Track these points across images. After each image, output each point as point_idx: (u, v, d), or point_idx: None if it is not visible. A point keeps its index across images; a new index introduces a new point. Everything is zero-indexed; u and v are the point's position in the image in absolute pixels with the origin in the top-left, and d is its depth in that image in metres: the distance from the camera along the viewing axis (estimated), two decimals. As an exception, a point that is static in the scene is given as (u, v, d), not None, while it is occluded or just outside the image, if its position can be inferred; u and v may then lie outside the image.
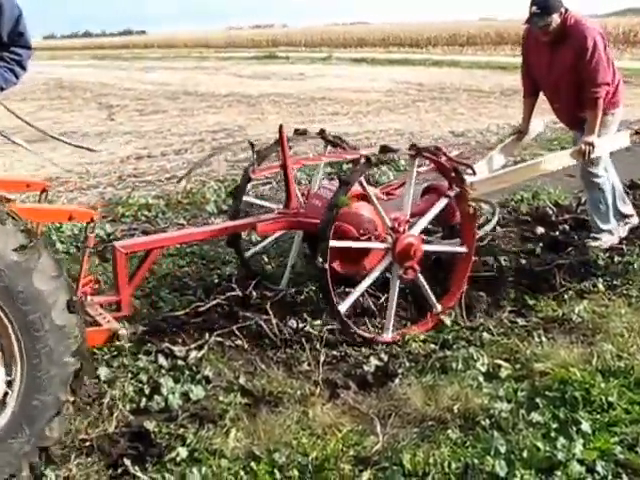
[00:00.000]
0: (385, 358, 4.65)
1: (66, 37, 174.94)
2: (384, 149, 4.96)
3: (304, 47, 62.15)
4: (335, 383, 4.39)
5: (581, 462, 3.46)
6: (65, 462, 3.62)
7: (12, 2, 4.25)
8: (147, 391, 4.25)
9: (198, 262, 6.28)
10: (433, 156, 5.02)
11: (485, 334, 4.92)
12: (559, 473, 3.40)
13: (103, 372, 4.43)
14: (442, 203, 5.16)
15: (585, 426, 3.73)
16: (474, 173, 5.43)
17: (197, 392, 4.23)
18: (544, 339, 4.84)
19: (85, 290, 4.40)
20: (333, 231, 4.68)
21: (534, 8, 5.96)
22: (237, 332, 4.91)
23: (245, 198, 5.84)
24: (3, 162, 11.47)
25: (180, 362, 4.56)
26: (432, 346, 4.80)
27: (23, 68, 4.43)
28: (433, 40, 56.84)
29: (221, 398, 4.17)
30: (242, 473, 3.49)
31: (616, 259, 6.20)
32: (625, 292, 5.58)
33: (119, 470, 3.59)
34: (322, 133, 6.01)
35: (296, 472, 3.48)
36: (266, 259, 6.27)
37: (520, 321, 5.17)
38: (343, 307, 4.81)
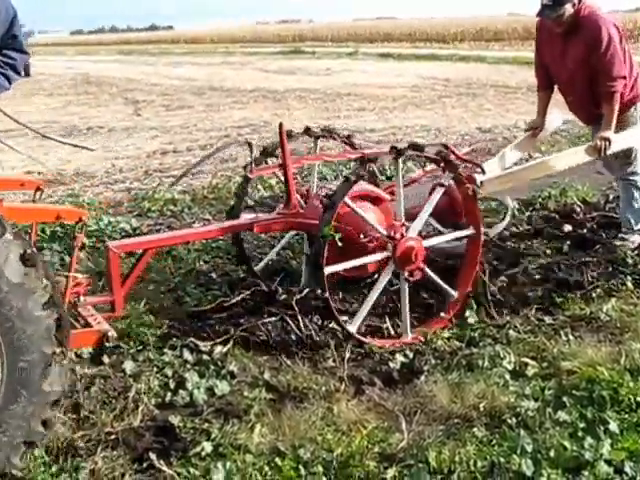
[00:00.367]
0: (410, 355, 4.63)
1: (93, 32, 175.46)
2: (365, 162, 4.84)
3: (330, 42, 61.99)
4: (360, 379, 4.38)
5: (609, 462, 3.43)
6: (91, 455, 3.63)
7: (7, 2, 4.12)
8: (172, 385, 4.26)
9: (224, 257, 6.28)
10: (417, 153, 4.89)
11: (512, 332, 4.89)
12: (586, 473, 3.37)
13: (129, 366, 4.45)
14: (438, 195, 5.01)
15: (613, 426, 3.69)
16: (483, 172, 5.35)
17: (222, 387, 4.23)
18: (571, 337, 4.80)
19: (78, 290, 4.37)
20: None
21: (545, 0, 5.85)
22: (262, 327, 4.90)
23: None
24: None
25: (205, 357, 4.56)
26: (458, 343, 4.78)
27: (17, 73, 4.24)
28: (460, 35, 56.52)
29: (246, 393, 4.17)
30: (267, 468, 3.48)
31: (645, 257, 6.12)
32: (654, 291, 5.50)
33: (144, 464, 3.60)
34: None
35: (321, 468, 3.47)
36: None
37: (547, 319, 5.13)
38: (354, 327, 4.75)
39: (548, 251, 6.37)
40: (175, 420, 3.88)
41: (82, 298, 4.37)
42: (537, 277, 5.78)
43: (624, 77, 5.93)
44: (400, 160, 4.78)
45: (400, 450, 3.64)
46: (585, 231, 6.92)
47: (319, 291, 4.62)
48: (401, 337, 4.89)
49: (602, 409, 3.87)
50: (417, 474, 3.41)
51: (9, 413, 3.16)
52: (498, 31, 55.67)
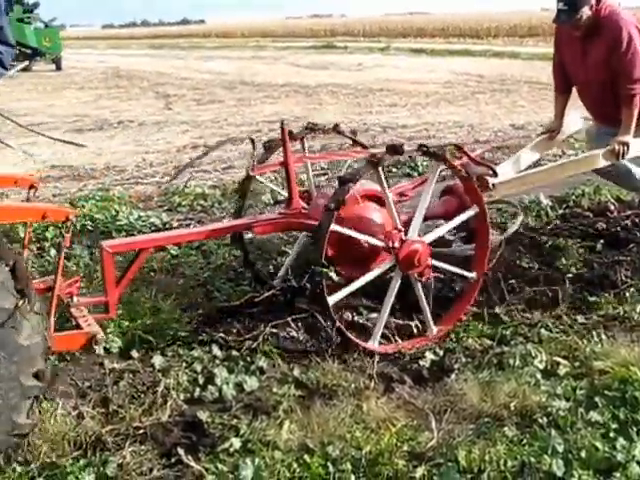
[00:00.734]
0: (441, 353, 4.60)
1: (124, 26, 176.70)
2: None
3: (362, 37, 61.93)
4: (390, 377, 4.36)
5: (641, 464, 3.38)
6: (119, 449, 3.64)
7: None
8: (201, 381, 4.26)
9: (254, 252, 6.27)
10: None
11: (543, 331, 4.84)
12: (618, 474, 3.32)
13: (157, 360, 4.46)
14: (429, 189, 4.73)
15: (646, 427, 3.64)
16: (495, 174, 5.22)
17: (251, 383, 4.22)
18: (604, 337, 4.74)
19: (71, 290, 4.36)
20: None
21: (561, 4, 5.64)
22: (292, 323, 4.88)
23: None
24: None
25: (234, 352, 4.56)
26: (489, 342, 4.73)
27: (4, 67, 4.14)
28: (494, 31, 56.20)
29: (275, 389, 4.16)
30: (295, 465, 3.46)
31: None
32: (689, 290, 5.43)
33: (172, 459, 3.60)
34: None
35: (349, 466, 3.44)
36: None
37: (580, 318, 5.07)
38: (375, 342, 4.65)
39: (581, 249, 6.30)
40: (204, 415, 3.88)
41: (75, 298, 4.34)
42: (570, 275, 5.72)
43: None
44: (380, 168, 4.53)
45: (429, 449, 3.61)
46: (619, 229, 6.83)
47: (329, 323, 4.54)
48: (427, 333, 4.83)
49: (635, 410, 3.82)
50: (446, 473, 3.38)
51: None
52: (532, 27, 55.25)
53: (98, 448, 3.65)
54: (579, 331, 4.87)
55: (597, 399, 3.94)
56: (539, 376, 4.23)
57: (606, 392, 4.01)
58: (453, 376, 4.31)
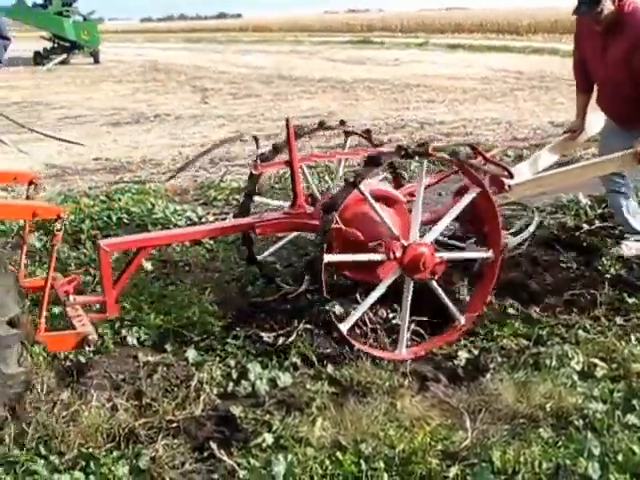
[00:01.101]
0: (476, 352, 4.56)
1: (162, 20, 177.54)
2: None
3: (399, 32, 61.65)
4: (424, 375, 4.33)
5: (679, 469, 3.33)
6: (152, 442, 3.66)
7: None
8: (235, 376, 4.27)
9: (289, 248, 6.25)
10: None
11: (581, 332, 4.78)
12: (655, 479, 3.28)
13: (191, 354, 4.47)
14: (422, 186, 4.62)
15: (684, 431, 3.59)
16: (511, 175, 5.10)
17: (284, 379, 4.22)
18: (643, 339, 4.69)
19: (68, 289, 4.34)
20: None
21: None
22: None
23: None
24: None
25: (268, 348, 4.56)
26: (525, 342, 4.69)
27: None
28: (534, 27, 55.62)
29: (308, 386, 4.15)
30: (327, 462, 3.45)
31: None
32: None
33: (205, 453, 3.61)
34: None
35: (382, 464, 3.42)
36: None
37: (618, 320, 5.00)
38: (402, 351, 4.56)
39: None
40: (237, 410, 3.89)
41: (71, 297, 4.30)
42: (608, 276, 5.65)
43: None
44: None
45: (463, 448, 3.58)
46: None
47: (335, 334, 4.49)
48: (456, 323, 4.74)
49: (673, 414, 3.76)
50: (480, 473, 3.35)
51: None
52: (572, 23, 54.49)
53: (131, 441, 3.67)
54: (617, 333, 4.80)
55: (635, 402, 3.88)
56: (576, 377, 4.17)
57: (644, 395, 3.95)
58: (488, 375, 4.27)
